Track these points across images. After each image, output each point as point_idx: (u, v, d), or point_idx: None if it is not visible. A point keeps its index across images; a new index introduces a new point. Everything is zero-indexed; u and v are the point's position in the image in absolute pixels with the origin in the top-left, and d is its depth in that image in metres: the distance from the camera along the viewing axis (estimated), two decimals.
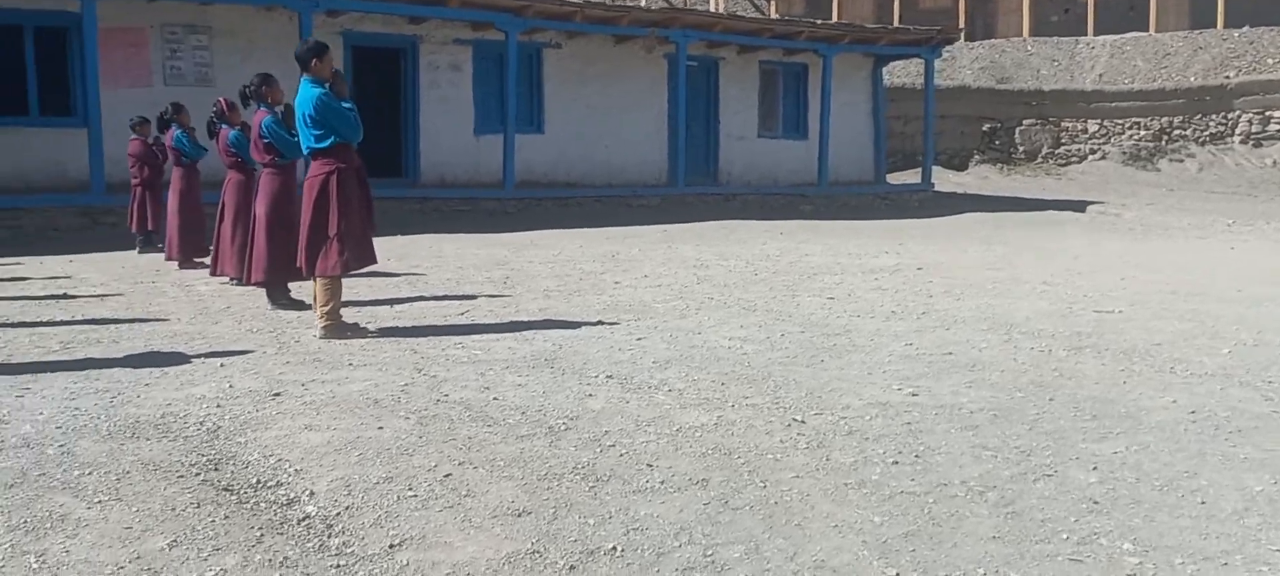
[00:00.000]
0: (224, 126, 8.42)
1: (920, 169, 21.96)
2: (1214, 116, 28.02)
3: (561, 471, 3.90)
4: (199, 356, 5.72)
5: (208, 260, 9.02)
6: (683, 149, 18.06)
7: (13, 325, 6.68)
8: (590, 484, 3.80)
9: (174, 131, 9.83)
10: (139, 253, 10.76)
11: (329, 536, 3.32)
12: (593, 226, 14.63)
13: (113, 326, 6.66)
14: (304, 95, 6.18)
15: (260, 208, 7.25)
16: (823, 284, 9.16)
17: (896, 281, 9.42)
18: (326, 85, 6.22)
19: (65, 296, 7.97)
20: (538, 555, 3.22)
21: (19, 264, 10.01)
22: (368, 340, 6.20)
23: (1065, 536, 3.42)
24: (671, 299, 8.13)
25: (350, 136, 6.22)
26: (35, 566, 2.96)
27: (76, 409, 4.49)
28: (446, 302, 7.77)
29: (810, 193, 19.60)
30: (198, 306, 7.55)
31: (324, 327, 6.24)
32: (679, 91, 17.78)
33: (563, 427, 4.44)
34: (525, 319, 7.10)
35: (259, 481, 3.73)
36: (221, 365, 5.48)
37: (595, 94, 17.83)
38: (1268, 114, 27.65)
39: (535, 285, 8.81)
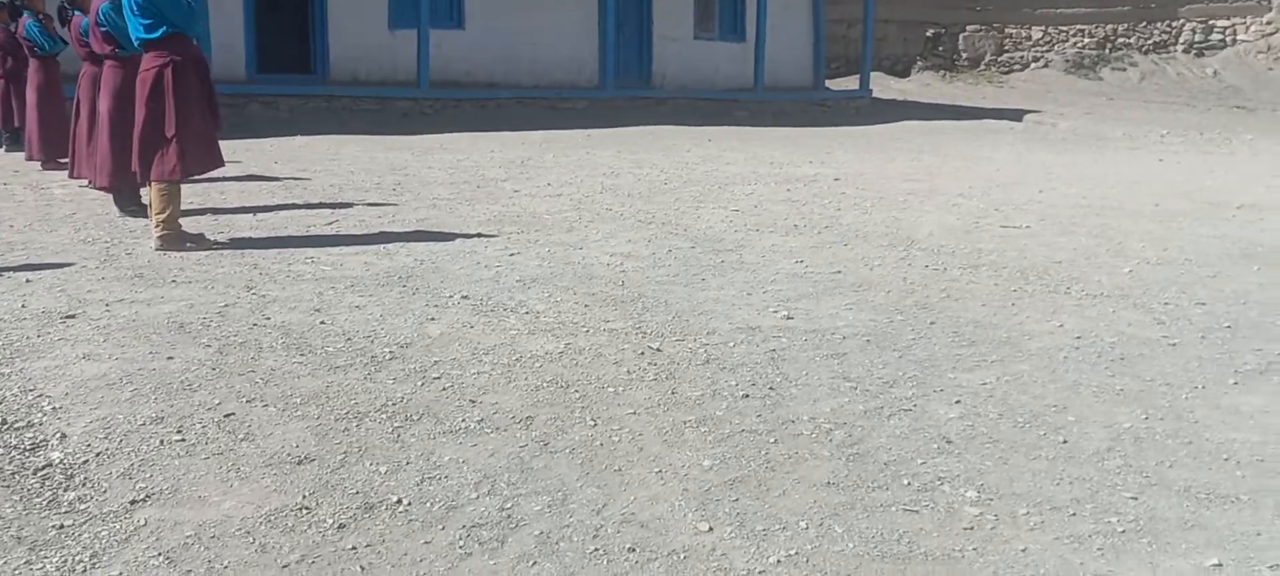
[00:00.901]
0: (77, 13, 7.68)
1: (860, 76, 21.46)
2: (1159, 25, 27.77)
3: (367, 409, 3.47)
4: (10, 269, 5.16)
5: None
6: (612, 49, 17.38)
7: None
8: (397, 424, 3.37)
9: (25, 20, 9.04)
10: (5, 150, 10.02)
11: (65, 489, 2.87)
12: (511, 130, 14.01)
13: None
14: None
15: (103, 104, 6.61)
16: (732, 195, 8.73)
17: (809, 193, 9.02)
18: None
19: None
20: (306, 512, 2.80)
21: None
22: (208, 252, 5.67)
23: (907, 481, 3.07)
24: (566, 210, 7.65)
25: (185, 25, 5.60)
26: None
27: None
28: (317, 211, 7.22)
29: (745, 98, 19.06)
30: (40, 212, 6.93)
31: (160, 238, 5.70)
32: None
33: (387, 357, 3.99)
34: (397, 230, 6.59)
35: (4, 422, 3.24)
36: (28, 280, 4.93)
37: None
38: (1211, 23, 27.46)
39: (426, 193, 8.27)
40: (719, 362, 4.11)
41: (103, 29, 6.45)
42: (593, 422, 3.47)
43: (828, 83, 22.40)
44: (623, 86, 17.81)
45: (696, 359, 4.15)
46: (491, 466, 3.11)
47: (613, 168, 10.40)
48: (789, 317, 4.79)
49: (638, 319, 4.68)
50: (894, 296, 5.26)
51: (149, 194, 5.83)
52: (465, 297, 4.90)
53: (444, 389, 3.70)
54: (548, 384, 3.80)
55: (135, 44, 5.73)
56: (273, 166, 9.51)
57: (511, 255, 5.92)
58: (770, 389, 3.84)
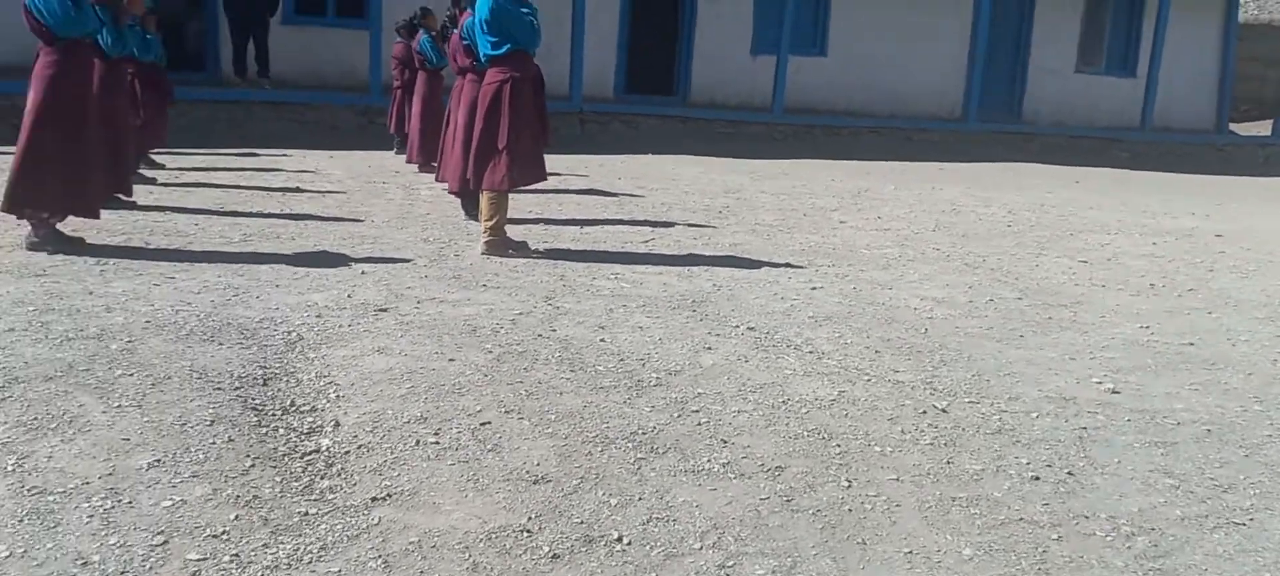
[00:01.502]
0: (454, 30, 8.39)
1: (1274, 121, 18.78)
2: None
3: (615, 436, 3.39)
4: (356, 261, 5.68)
5: None
6: (979, 80, 16.46)
7: (224, 213, 7.01)
8: (640, 455, 3.26)
9: (420, 36, 10.02)
10: (395, 153, 11.19)
11: (323, 477, 3.03)
12: (858, 159, 13.66)
13: (306, 222, 6.83)
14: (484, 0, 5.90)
15: (460, 115, 7.13)
16: (1083, 244, 7.87)
17: (1179, 248, 7.92)
18: None
19: (297, 190, 8.35)
20: (526, 535, 2.76)
21: (286, 155, 10.69)
22: (526, 260, 5.92)
23: None
24: (888, 246, 7.25)
25: (527, 43, 5.89)
26: (10, 468, 2.87)
27: (186, 304, 4.51)
28: (638, 228, 7.36)
29: (1130, 137, 17.31)
30: (402, 211, 7.62)
31: (486, 243, 6.04)
32: (983, 14, 16.14)
33: (652, 383, 3.91)
34: (707, 253, 6.55)
35: (292, 404, 3.51)
36: (363, 272, 5.39)
37: (888, 14, 16.49)
38: None
39: (749, 218, 8.20)
40: (1012, 434, 3.63)
41: (465, 44, 6.97)
42: (847, 483, 3.17)
43: (1233, 127, 19.83)
44: (987, 119, 16.82)
45: (986, 427, 3.69)
46: (724, 516, 2.91)
47: (955, 204, 9.77)
48: (1114, 391, 4.16)
49: (930, 373, 4.27)
50: (1256, 381, 4.42)
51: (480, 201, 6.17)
52: (750, 329, 4.73)
53: (698, 424, 3.55)
54: (809, 433, 3.53)
55: (482, 60, 6.11)
56: (615, 182, 9.87)
57: (813, 288, 5.67)
58: (1068, 474, 3.32)
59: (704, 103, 15.71)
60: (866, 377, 4.15)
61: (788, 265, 6.31)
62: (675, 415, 3.61)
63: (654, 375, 4.00)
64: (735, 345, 4.46)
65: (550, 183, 9.46)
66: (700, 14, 15.68)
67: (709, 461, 3.26)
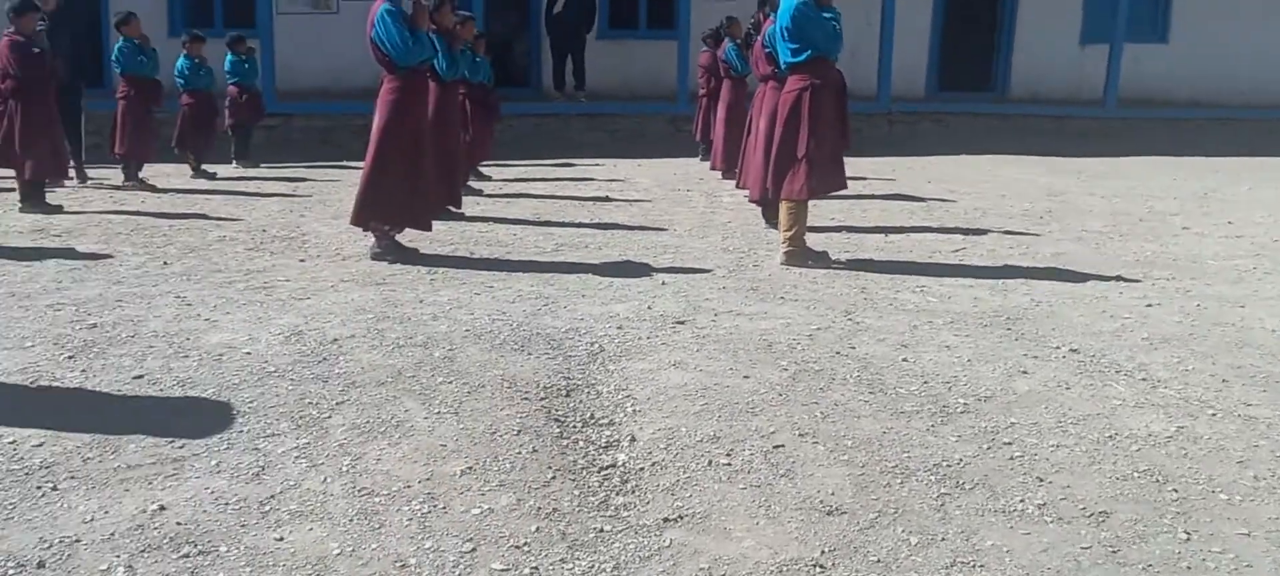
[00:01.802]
0: (758, 37, 8.39)
1: None
2: None
3: (917, 467, 3.20)
4: (657, 270, 5.79)
5: None
6: None
7: (539, 222, 7.40)
8: (944, 490, 3.06)
9: (726, 44, 10.09)
10: (700, 160, 11.36)
11: (618, 493, 3.07)
12: (1204, 155, 12.27)
13: (613, 231, 7.05)
14: (783, 5, 5.83)
15: (761, 122, 7.10)
16: None
17: None
18: None
19: (606, 199, 8.67)
20: (819, 570, 2.65)
21: (598, 165, 11.15)
22: (826, 271, 5.78)
23: None
24: (1241, 256, 6.44)
25: (829, 49, 5.75)
26: (345, 469, 3.13)
27: (502, 313, 4.76)
28: (949, 237, 6.99)
29: None
30: (704, 219, 7.71)
31: (785, 254, 5.96)
32: None
33: (959, 409, 3.67)
34: (1025, 264, 6.10)
35: (592, 418, 3.60)
36: (664, 282, 5.48)
37: None
38: None
39: (1075, 224, 7.57)
40: None
41: (767, 51, 6.93)
42: (1185, 536, 2.80)
43: None
44: None
45: None
46: (1039, 565, 2.66)
47: None
48: None
49: None
50: None
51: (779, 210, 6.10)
52: (1073, 351, 4.33)
53: (1011, 458, 3.28)
54: (1140, 474, 3.16)
55: (782, 67, 6.04)
56: (923, 186, 9.47)
57: (1148, 306, 5.11)
58: None
59: (1025, 97, 14.75)
60: (1210, 412, 3.67)
61: (1119, 278, 5.74)
62: (984, 447, 3.36)
63: (961, 401, 3.75)
64: (1055, 370, 4.10)
65: (854, 188, 9.24)
66: (1021, 3, 14.73)
67: (1022, 501, 2.99)
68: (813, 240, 6.23)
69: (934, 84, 14.89)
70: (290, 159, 11.72)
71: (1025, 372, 4.06)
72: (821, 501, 2.99)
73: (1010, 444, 3.39)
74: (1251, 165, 11.46)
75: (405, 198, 5.82)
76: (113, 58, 9.22)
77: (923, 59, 14.75)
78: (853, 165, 10.66)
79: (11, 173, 7.66)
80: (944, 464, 3.22)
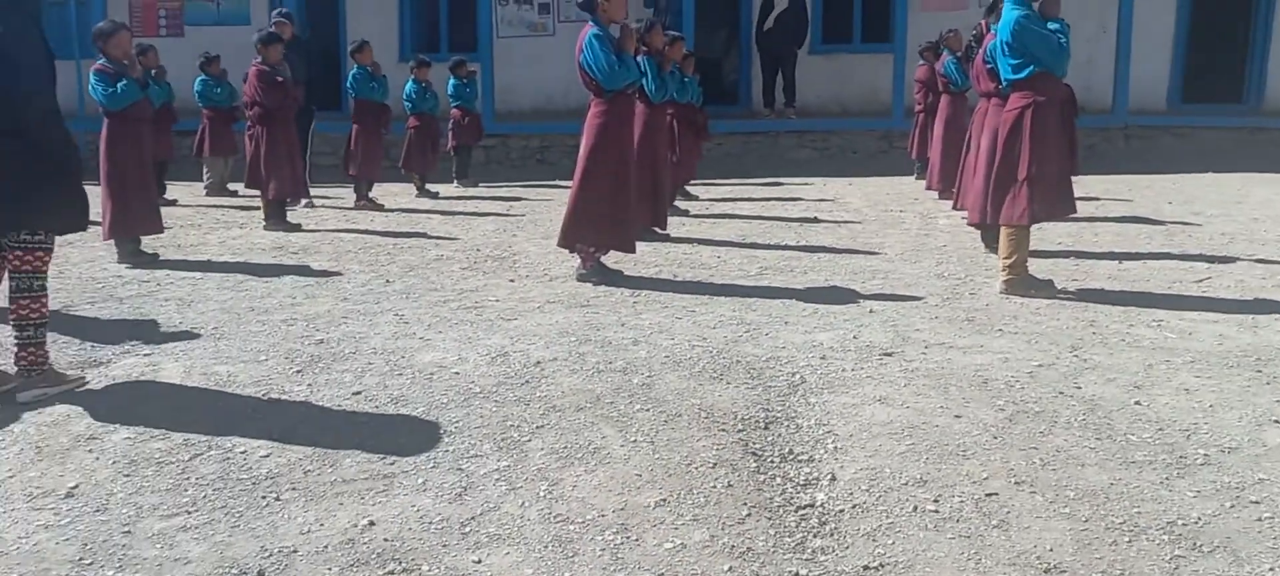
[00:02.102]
0: (980, 51, 8.02)
1: None
2: None
3: (1148, 524, 2.91)
4: (865, 297, 5.59)
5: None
6: None
7: (744, 244, 7.32)
8: (1179, 552, 2.77)
9: (945, 58, 9.70)
10: (915, 178, 10.97)
11: (816, 535, 2.95)
12: None
13: (819, 254, 6.89)
14: (1004, 18, 5.52)
15: (982, 140, 6.75)
16: None
17: None
18: (1033, 4, 5.47)
19: (814, 220, 8.49)
20: None
21: (807, 183, 10.98)
22: (1050, 301, 5.41)
23: None
24: None
25: (1053, 65, 5.40)
26: (542, 493, 3.15)
27: (702, 339, 4.71)
28: (1191, 265, 6.41)
29: None
30: (916, 242, 7.41)
31: (1005, 281, 5.62)
32: None
33: (1199, 461, 3.32)
34: (1279, 298, 5.52)
35: (790, 453, 3.48)
36: (871, 311, 5.27)
37: None
38: None
39: None
40: None
41: (988, 66, 6.60)
42: None
43: None
44: None
45: None
46: None
47: None
48: None
49: None
50: None
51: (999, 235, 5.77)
52: None
53: (1259, 519, 2.93)
54: None
55: (1004, 83, 5.72)
56: (1163, 208, 8.77)
57: None
58: None
59: None
60: None
61: None
62: (1228, 504, 3.02)
63: (1201, 451, 3.39)
64: None
65: (1085, 209, 8.69)
66: (1279, 5, 13.46)
67: (1271, 570, 2.66)
68: (1036, 267, 5.86)
69: (1177, 95, 13.80)
70: (507, 178, 12.18)
71: (1277, 422, 3.64)
72: (1038, 558, 2.76)
73: (1258, 503, 3.03)
74: None
75: (610, 220, 5.89)
76: (347, 83, 9.84)
77: (1164, 68, 13.71)
78: (1084, 184, 10.06)
79: (257, 192, 8.31)
80: (1179, 522, 2.92)
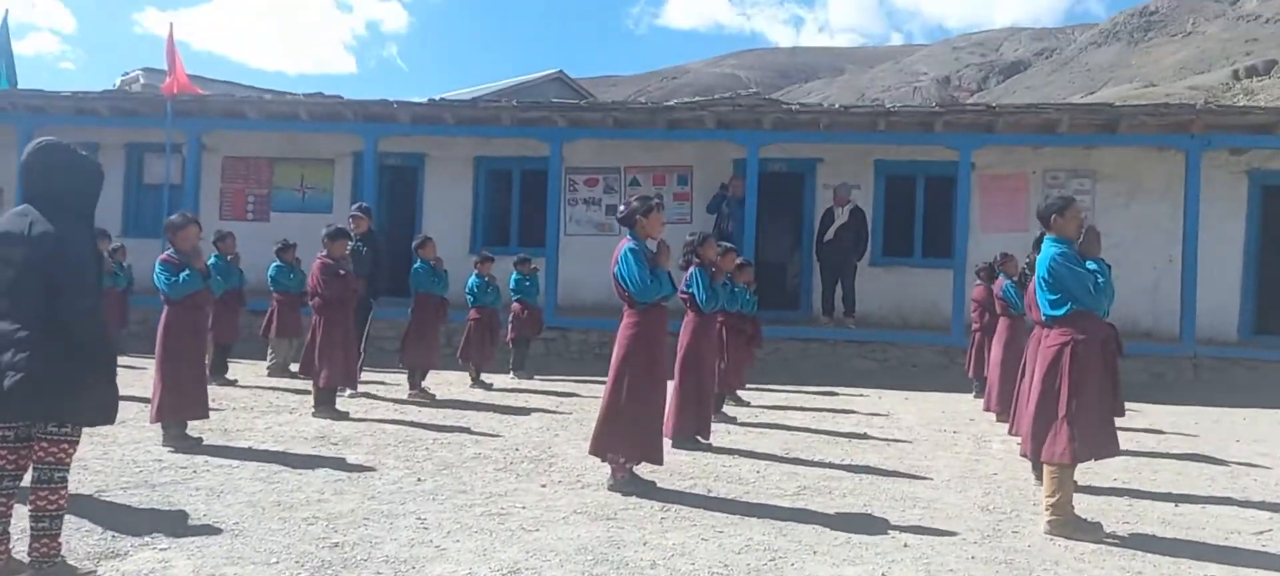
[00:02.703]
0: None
1: None
2: None
3: None
4: (901, 530, 5.39)
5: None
6: None
7: (787, 459, 7.19)
8: None
9: (1001, 282, 9.65)
10: (974, 397, 10.77)
11: None
12: None
13: (863, 476, 6.72)
14: (1043, 254, 5.51)
15: (1039, 369, 6.62)
16: None
17: None
18: (1073, 244, 5.45)
19: (863, 436, 8.34)
20: None
21: (861, 395, 10.84)
22: (1092, 546, 5.16)
23: None
24: None
25: (1091, 304, 5.33)
26: None
27: (724, 566, 4.57)
28: (1252, 514, 6.09)
29: None
30: (966, 466, 7.20)
31: (1049, 522, 5.39)
32: None
33: None
34: None
35: None
36: (905, 545, 5.08)
37: None
38: None
39: None
40: None
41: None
42: None
43: None
44: None
45: None
46: None
47: None
48: None
49: None
50: None
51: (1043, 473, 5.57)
52: None
53: None
54: None
55: (1044, 319, 5.66)
56: (1230, 446, 8.43)
57: None
58: None
59: None
60: None
61: None
62: None
63: None
64: None
65: (1148, 442, 8.41)
66: None
67: None
68: (1086, 505, 5.65)
69: (1248, 326, 13.47)
70: (564, 371, 12.27)
71: None
72: None
73: None
74: None
75: (640, 431, 5.87)
76: (410, 276, 10.15)
77: (1234, 298, 13.45)
78: (1150, 416, 9.80)
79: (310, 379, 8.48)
80: None
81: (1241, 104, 43.08)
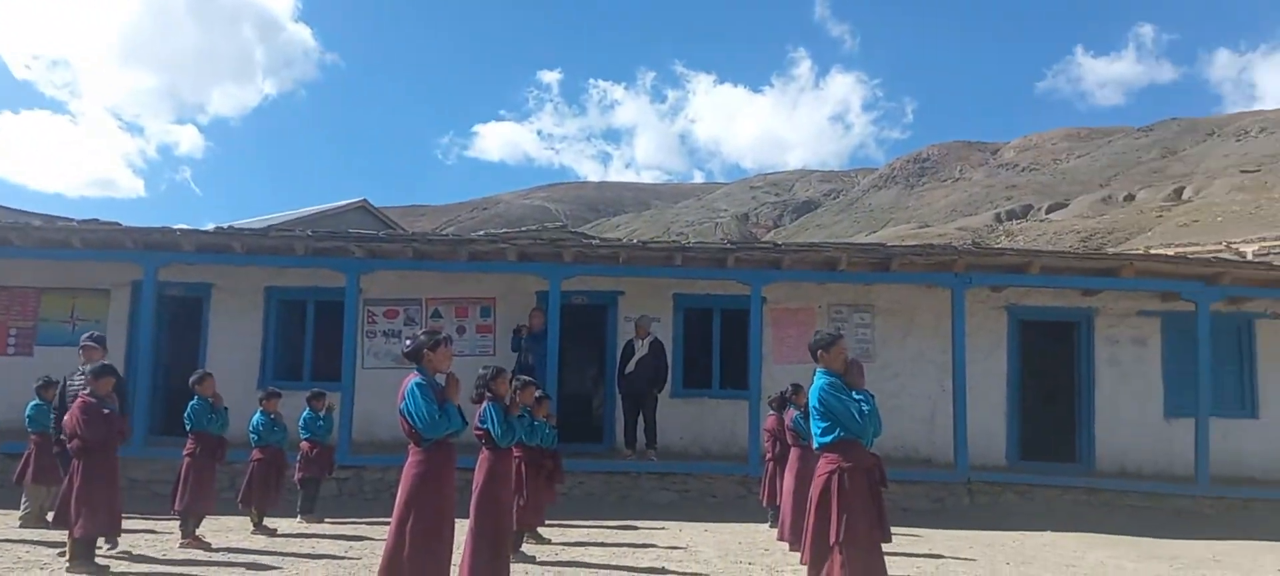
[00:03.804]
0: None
1: None
2: None
3: None
4: None
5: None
6: None
7: None
8: None
9: (792, 412, 10.01)
10: (769, 526, 11.00)
11: None
12: None
13: None
14: (814, 384, 5.78)
15: (812, 497, 6.86)
16: None
17: None
18: (838, 375, 5.75)
19: (662, 570, 8.34)
20: None
21: (661, 528, 10.88)
22: None
23: None
24: None
25: (857, 431, 5.61)
26: None
27: None
28: None
29: None
30: None
31: None
32: None
33: None
34: None
35: None
36: None
37: None
38: None
39: None
40: None
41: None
42: None
43: None
44: None
45: None
46: None
47: None
48: None
49: None
50: None
51: None
52: None
53: None
54: None
55: (816, 447, 5.90)
56: (1000, 569, 8.92)
57: None
58: None
59: (1113, 471, 14.16)
60: None
61: None
62: None
63: None
64: None
65: (927, 567, 8.77)
66: (1099, 373, 14.52)
67: None
68: None
69: (1015, 453, 14.47)
70: (357, 513, 11.75)
71: None
72: None
73: None
74: None
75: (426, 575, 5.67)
76: (185, 414, 9.53)
77: (1001, 424, 14.45)
78: (930, 540, 10.25)
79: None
80: None
81: (1001, 244, 47.02)
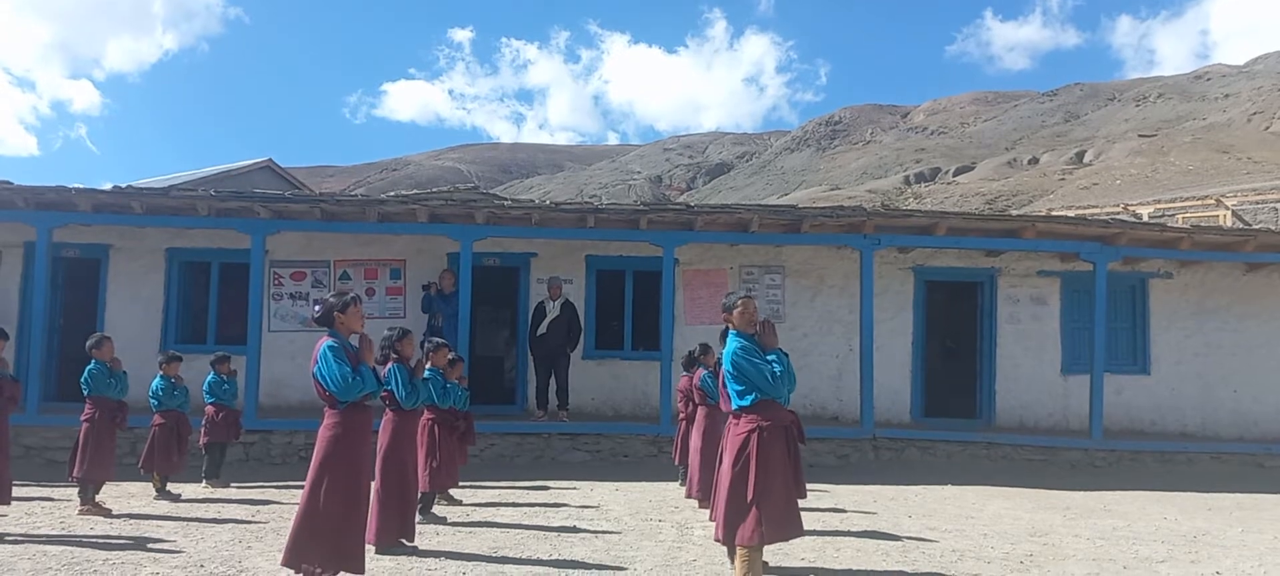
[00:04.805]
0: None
1: None
2: None
3: None
4: None
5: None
6: None
7: (495, 559, 7.11)
8: None
9: (700, 372, 10.13)
10: (679, 484, 11.14)
11: None
12: (1197, 490, 12.00)
13: (569, 570, 6.75)
14: (727, 347, 5.86)
15: (726, 458, 6.96)
16: None
17: None
18: (754, 337, 5.84)
19: (572, 530, 8.40)
20: None
21: (573, 488, 10.94)
22: None
23: None
24: None
25: (772, 392, 5.72)
26: None
27: None
28: None
29: None
30: (667, 556, 7.41)
31: None
32: None
33: None
34: None
35: None
36: None
37: (1218, 329, 15.09)
38: None
39: (1055, 571, 7.25)
40: None
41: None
42: None
43: None
44: None
45: None
46: None
47: None
48: None
49: None
50: None
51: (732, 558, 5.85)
52: None
53: None
54: None
55: (733, 409, 5.99)
56: (903, 521, 9.19)
57: None
58: None
59: (1012, 426, 14.69)
60: None
61: None
62: None
63: None
64: None
65: (831, 521, 9.00)
66: (1000, 332, 14.99)
67: None
68: None
69: (919, 410, 14.88)
70: (265, 477, 11.56)
71: None
72: None
73: None
74: (1244, 503, 11.17)
75: (339, 539, 5.62)
76: (82, 379, 9.25)
77: (906, 383, 14.85)
78: (835, 495, 10.51)
79: None
80: None
81: (909, 206, 48.06)
